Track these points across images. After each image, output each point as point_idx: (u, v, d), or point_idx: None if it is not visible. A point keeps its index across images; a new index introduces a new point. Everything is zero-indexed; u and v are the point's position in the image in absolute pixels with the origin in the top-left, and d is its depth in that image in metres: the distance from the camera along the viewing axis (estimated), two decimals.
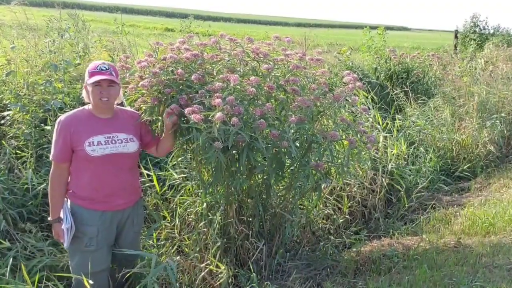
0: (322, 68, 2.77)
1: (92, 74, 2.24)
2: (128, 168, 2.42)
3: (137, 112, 2.52)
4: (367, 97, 4.74)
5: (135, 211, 2.50)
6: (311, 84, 2.63)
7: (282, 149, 2.47)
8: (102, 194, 2.32)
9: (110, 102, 2.30)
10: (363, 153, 3.28)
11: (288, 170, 2.92)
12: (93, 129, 2.28)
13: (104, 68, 2.26)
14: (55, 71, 3.72)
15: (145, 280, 2.28)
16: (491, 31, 13.96)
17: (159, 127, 2.61)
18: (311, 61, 2.69)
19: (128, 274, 2.39)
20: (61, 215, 2.33)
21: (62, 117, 2.31)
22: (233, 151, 2.48)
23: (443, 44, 13.67)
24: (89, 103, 2.36)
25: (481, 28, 13.93)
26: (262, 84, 2.48)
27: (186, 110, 2.21)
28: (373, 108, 4.79)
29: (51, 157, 2.30)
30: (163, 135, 2.50)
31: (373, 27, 8.68)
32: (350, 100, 2.70)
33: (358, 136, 2.68)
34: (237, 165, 2.55)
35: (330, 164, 2.70)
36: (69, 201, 2.35)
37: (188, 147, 2.82)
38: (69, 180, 2.35)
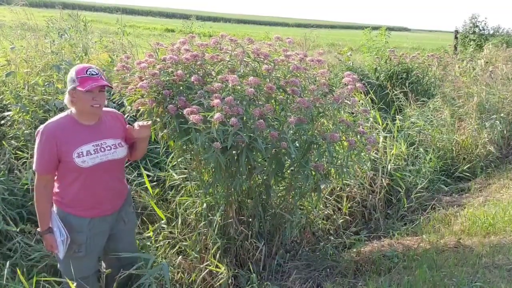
0: (323, 69, 2.77)
1: (83, 80, 2.12)
2: (116, 174, 2.38)
3: (120, 113, 2.48)
4: (365, 98, 4.74)
5: (124, 211, 2.47)
6: (311, 85, 2.63)
7: (282, 150, 2.47)
8: (91, 202, 2.27)
9: (101, 108, 2.22)
10: (362, 153, 3.28)
11: (288, 171, 2.92)
12: (80, 138, 2.19)
13: (94, 73, 2.16)
14: (58, 72, 3.72)
15: (141, 280, 2.29)
16: (491, 32, 13.98)
17: (157, 128, 2.62)
18: (311, 62, 2.69)
19: (125, 274, 2.39)
20: (51, 225, 2.26)
21: (44, 127, 2.18)
22: (233, 152, 2.48)
23: (443, 45, 13.68)
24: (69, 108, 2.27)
25: (480, 28, 13.94)
26: (262, 85, 2.48)
27: (185, 111, 2.21)
28: (373, 109, 4.78)
29: (34, 168, 2.19)
30: (137, 143, 2.43)
31: (375, 28, 8.69)
32: (350, 102, 2.70)
33: (358, 137, 2.68)
34: (237, 165, 2.55)
35: (329, 165, 2.70)
36: (55, 208, 2.28)
37: (187, 148, 2.82)
38: (55, 188, 2.27)
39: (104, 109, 2.32)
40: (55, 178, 2.26)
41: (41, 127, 2.20)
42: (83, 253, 2.29)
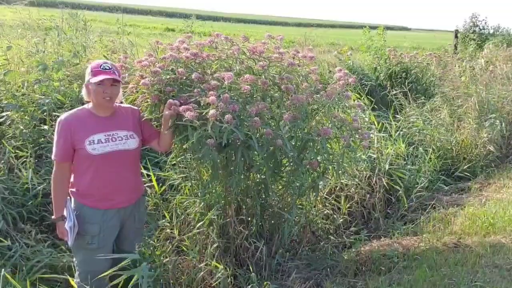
0: (316, 65, 2.78)
1: (95, 73, 2.25)
2: (130, 165, 2.42)
3: (136, 108, 2.52)
4: (360, 98, 4.72)
5: (137, 208, 2.51)
6: (303, 82, 2.63)
7: (278, 148, 2.46)
8: (105, 192, 2.33)
9: (112, 101, 2.32)
10: (358, 151, 3.27)
11: (286, 169, 2.91)
12: (93, 128, 2.29)
13: (108, 68, 2.28)
14: (44, 70, 3.70)
15: (133, 281, 2.29)
16: (491, 31, 13.97)
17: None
18: (303, 58, 2.70)
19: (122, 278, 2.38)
20: (65, 213, 2.33)
21: (62, 116, 2.32)
22: (230, 150, 2.48)
23: (444, 44, 13.64)
24: (88, 102, 2.37)
25: (481, 28, 13.93)
26: (257, 82, 2.48)
27: (181, 108, 2.22)
28: (368, 109, 4.76)
29: (53, 157, 2.31)
30: (162, 128, 2.49)
31: (373, 27, 8.68)
32: (343, 97, 2.69)
33: (353, 133, 2.67)
34: (234, 164, 2.55)
35: (326, 161, 2.70)
36: (72, 199, 2.36)
37: (184, 145, 2.82)
38: (71, 179, 2.36)
39: (123, 105, 2.47)
40: (72, 170, 2.35)
41: (60, 117, 2.32)
42: (96, 245, 2.33)
